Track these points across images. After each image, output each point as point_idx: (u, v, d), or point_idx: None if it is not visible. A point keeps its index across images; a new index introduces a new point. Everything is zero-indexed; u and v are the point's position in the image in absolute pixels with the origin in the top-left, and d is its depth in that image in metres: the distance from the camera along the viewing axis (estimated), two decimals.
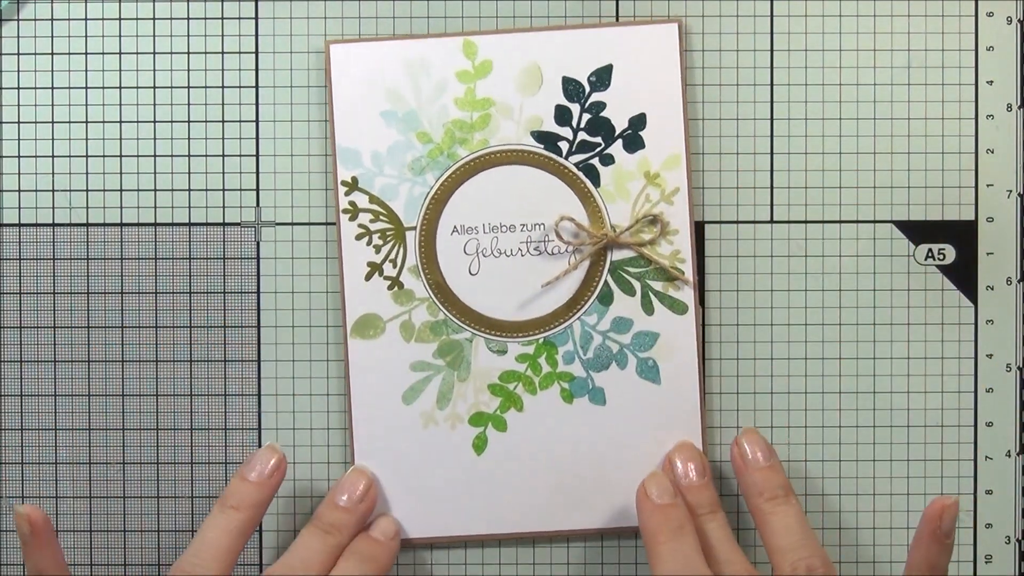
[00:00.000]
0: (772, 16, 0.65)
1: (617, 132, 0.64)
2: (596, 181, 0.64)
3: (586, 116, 0.64)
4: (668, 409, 0.65)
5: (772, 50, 0.65)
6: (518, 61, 0.64)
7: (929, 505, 0.60)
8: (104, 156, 0.65)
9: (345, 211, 0.64)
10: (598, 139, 0.64)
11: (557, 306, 0.65)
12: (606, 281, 0.64)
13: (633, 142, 0.64)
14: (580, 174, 0.64)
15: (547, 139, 0.64)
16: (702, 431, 0.65)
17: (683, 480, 0.62)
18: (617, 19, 0.65)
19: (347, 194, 0.64)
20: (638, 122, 0.64)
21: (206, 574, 0.59)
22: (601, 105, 0.64)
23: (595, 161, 0.64)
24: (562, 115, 0.64)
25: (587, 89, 0.64)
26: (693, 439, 0.65)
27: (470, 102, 0.64)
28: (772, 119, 0.66)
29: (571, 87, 0.64)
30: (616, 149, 0.64)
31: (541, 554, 0.66)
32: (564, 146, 0.64)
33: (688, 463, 0.63)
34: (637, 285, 0.64)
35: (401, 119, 0.64)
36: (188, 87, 0.65)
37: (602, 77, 0.64)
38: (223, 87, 0.65)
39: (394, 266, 0.64)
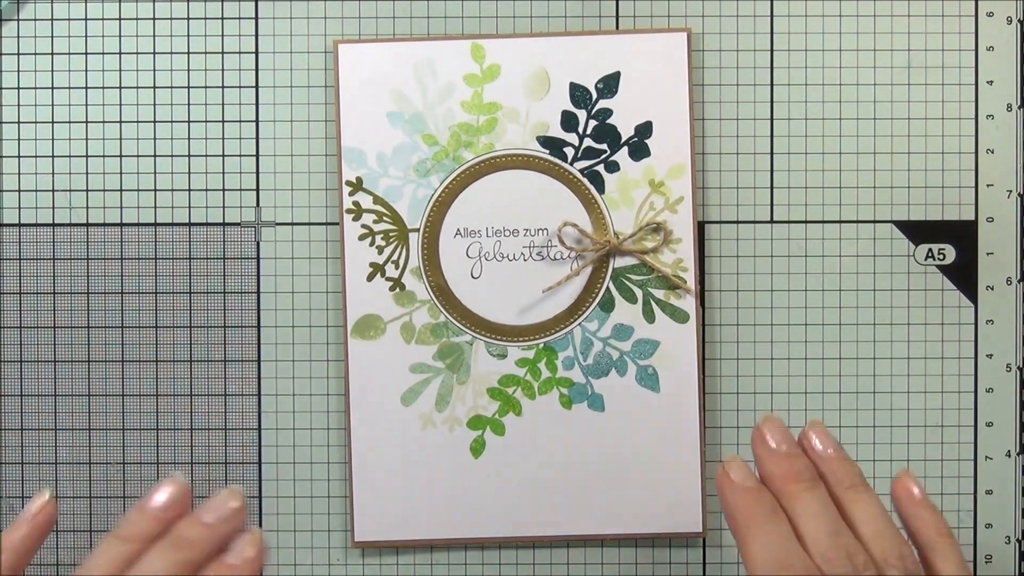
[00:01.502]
0: (772, 16, 0.65)
1: (623, 139, 0.64)
2: (600, 188, 0.64)
3: (592, 123, 0.64)
4: (667, 417, 0.65)
5: (772, 50, 0.65)
6: (526, 66, 0.64)
7: (892, 486, 0.57)
8: (104, 156, 0.65)
9: (349, 211, 0.64)
10: (604, 146, 0.64)
11: (558, 311, 0.65)
12: (608, 288, 0.65)
13: (639, 150, 0.64)
14: (585, 180, 0.64)
15: (553, 144, 0.64)
16: (701, 440, 0.65)
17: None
18: (617, 19, 0.65)
19: (351, 194, 0.64)
20: (644, 130, 0.64)
21: None
22: (608, 112, 0.64)
23: (600, 168, 0.64)
24: (568, 121, 0.64)
25: (594, 96, 0.64)
26: (692, 448, 0.65)
27: (477, 105, 0.64)
28: (772, 119, 0.66)
29: (578, 93, 0.64)
30: (621, 156, 0.64)
31: (541, 556, 0.66)
32: (570, 152, 0.64)
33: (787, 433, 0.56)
34: (639, 293, 0.64)
35: (407, 121, 0.64)
36: (188, 87, 0.65)
37: (609, 84, 0.64)
38: (223, 87, 0.65)
39: (396, 267, 0.64)
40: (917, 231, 0.66)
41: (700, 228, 0.65)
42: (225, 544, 0.54)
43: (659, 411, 0.65)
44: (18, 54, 0.65)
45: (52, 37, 0.65)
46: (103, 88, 0.65)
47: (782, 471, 0.55)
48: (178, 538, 0.53)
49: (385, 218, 0.64)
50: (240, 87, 0.65)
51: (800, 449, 0.56)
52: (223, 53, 0.65)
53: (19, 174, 0.65)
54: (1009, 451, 0.66)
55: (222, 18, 0.65)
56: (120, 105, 0.65)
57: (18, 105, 0.65)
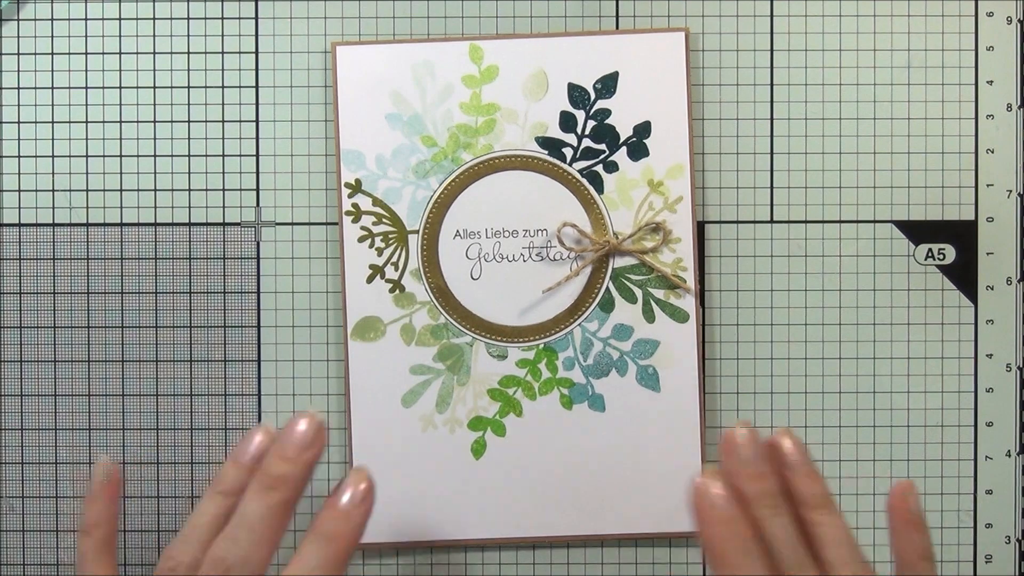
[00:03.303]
0: (772, 16, 0.65)
1: (622, 140, 0.64)
2: (600, 188, 0.64)
3: (591, 123, 0.64)
4: (667, 417, 0.65)
5: (772, 50, 0.65)
6: (524, 67, 0.64)
7: (890, 496, 0.58)
8: (104, 156, 0.65)
9: (348, 213, 0.64)
10: (602, 146, 0.64)
11: (558, 312, 0.65)
12: (608, 288, 0.65)
13: (637, 150, 0.64)
14: (584, 181, 0.64)
15: (551, 145, 0.64)
16: (701, 440, 0.65)
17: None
18: (617, 19, 0.65)
19: (350, 196, 0.64)
20: (643, 130, 0.64)
21: (192, 560, 0.57)
22: (606, 112, 0.64)
23: (599, 168, 0.64)
24: (567, 121, 0.64)
25: (592, 96, 0.64)
26: (692, 448, 0.65)
27: (475, 107, 0.64)
28: (772, 119, 0.65)
29: (577, 94, 0.64)
30: (620, 156, 0.64)
31: (541, 556, 0.66)
32: (568, 152, 0.64)
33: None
34: (639, 293, 0.64)
35: (406, 122, 0.64)
36: (188, 87, 0.65)
37: (608, 84, 0.64)
38: (223, 87, 0.65)
39: (396, 269, 0.64)
40: (917, 231, 0.66)
41: (700, 228, 0.65)
42: (311, 474, 0.55)
43: (659, 411, 0.65)
44: (18, 54, 0.65)
45: (52, 37, 0.65)
46: (103, 88, 0.65)
47: (752, 493, 0.54)
48: (267, 478, 0.54)
49: (384, 220, 0.64)
50: (240, 87, 0.65)
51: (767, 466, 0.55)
52: (223, 53, 0.65)
53: (19, 174, 0.65)
54: (1009, 451, 0.66)
55: (222, 18, 0.65)
56: (120, 105, 0.65)
57: (18, 105, 0.65)
